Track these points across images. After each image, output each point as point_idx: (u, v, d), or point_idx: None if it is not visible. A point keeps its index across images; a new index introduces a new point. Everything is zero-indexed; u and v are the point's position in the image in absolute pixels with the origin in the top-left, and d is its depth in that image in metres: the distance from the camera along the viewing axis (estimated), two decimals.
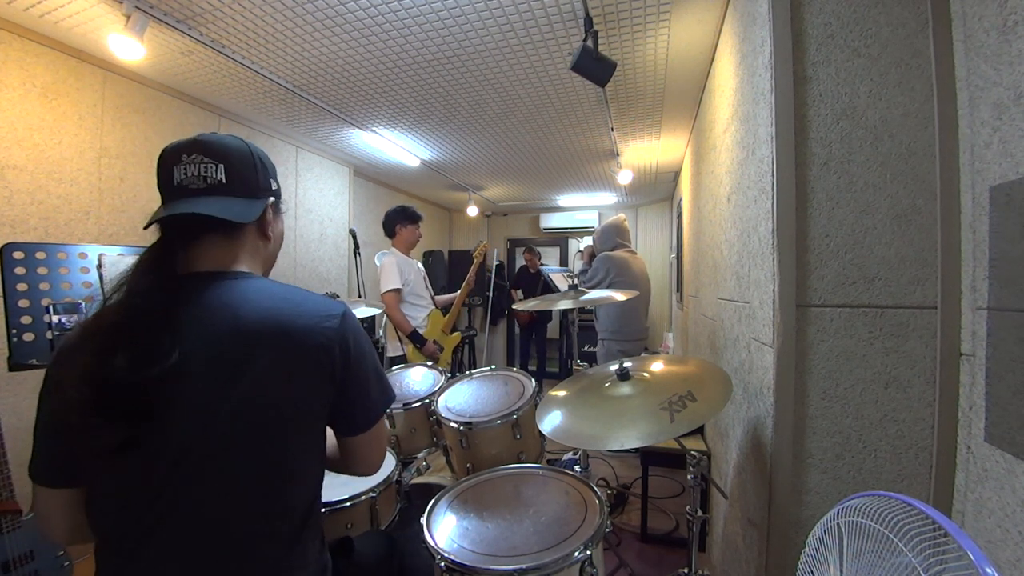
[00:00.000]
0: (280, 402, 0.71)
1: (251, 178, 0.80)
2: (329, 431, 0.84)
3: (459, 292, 3.27)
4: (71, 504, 0.73)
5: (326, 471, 0.87)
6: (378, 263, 3.05)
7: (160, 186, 0.78)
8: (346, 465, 0.89)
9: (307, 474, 0.77)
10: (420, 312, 3.05)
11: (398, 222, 3.06)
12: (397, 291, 2.90)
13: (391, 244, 3.10)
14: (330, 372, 0.75)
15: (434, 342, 3.02)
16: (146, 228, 0.76)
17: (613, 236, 3.48)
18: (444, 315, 3.22)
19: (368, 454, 0.88)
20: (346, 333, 0.77)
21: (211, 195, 0.76)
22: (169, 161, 0.76)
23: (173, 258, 0.76)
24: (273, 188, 0.86)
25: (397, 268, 2.93)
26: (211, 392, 0.68)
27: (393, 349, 3.02)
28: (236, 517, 0.69)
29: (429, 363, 2.14)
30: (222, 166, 0.76)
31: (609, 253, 3.41)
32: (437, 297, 3.29)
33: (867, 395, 1.12)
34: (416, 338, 2.91)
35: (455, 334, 3.32)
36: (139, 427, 0.65)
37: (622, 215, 3.73)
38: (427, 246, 6.19)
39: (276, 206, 0.88)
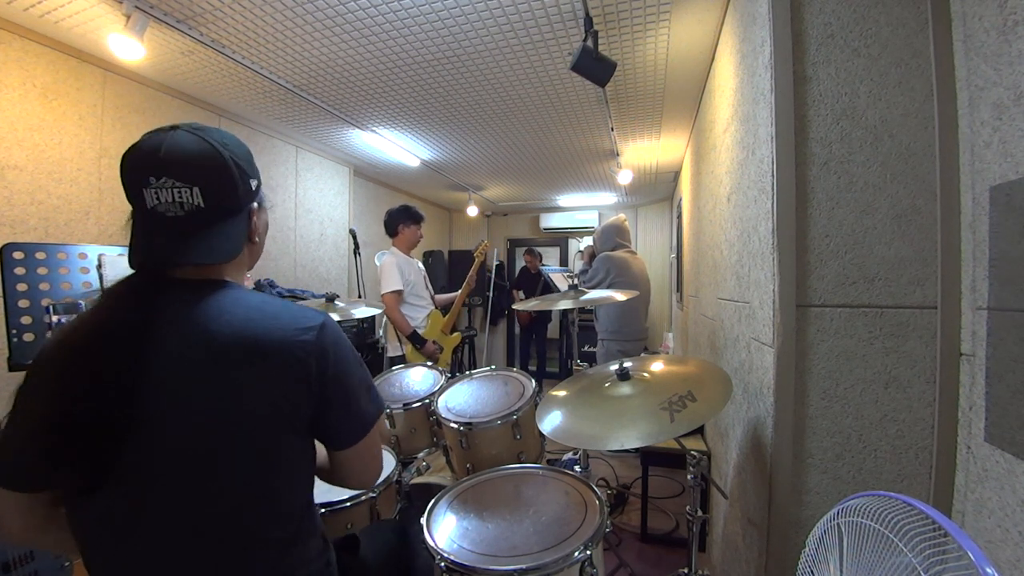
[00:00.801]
0: (259, 416, 0.69)
1: (231, 192, 0.74)
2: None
3: (460, 292, 3.26)
4: (27, 508, 0.70)
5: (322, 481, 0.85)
6: (378, 263, 3.05)
7: (129, 199, 0.72)
8: (337, 479, 0.86)
9: (293, 483, 0.75)
10: (420, 312, 3.05)
11: (401, 221, 3.06)
12: (398, 292, 2.90)
13: (392, 243, 3.10)
14: (306, 385, 0.72)
15: (433, 342, 3.02)
16: (132, 267, 0.72)
17: (613, 236, 3.48)
18: (444, 315, 3.21)
19: (359, 468, 0.84)
20: (324, 345, 0.74)
21: (192, 224, 0.71)
22: (135, 179, 0.70)
23: (153, 286, 0.73)
24: (253, 188, 0.79)
25: (398, 268, 2.93)
26: (189, 408, 0.67)
27: (393, 349, 3.02)
28: (225, 528, 0.69)
29: (429, 363, 2.14)
30: (197, 189, 0.70)
31: (609, 253, 3.41)
32: (437, 296, 3.29)
33: (867, 395, 1.12)
34: (416, 339, 2.91)
35: (455, 334, 3.31)
36: (107, 462, 0.64)
37: (622, 215, 3.73)
38: (427, 246, 6.19)
39: (259, 206, 0.83)
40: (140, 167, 0.70)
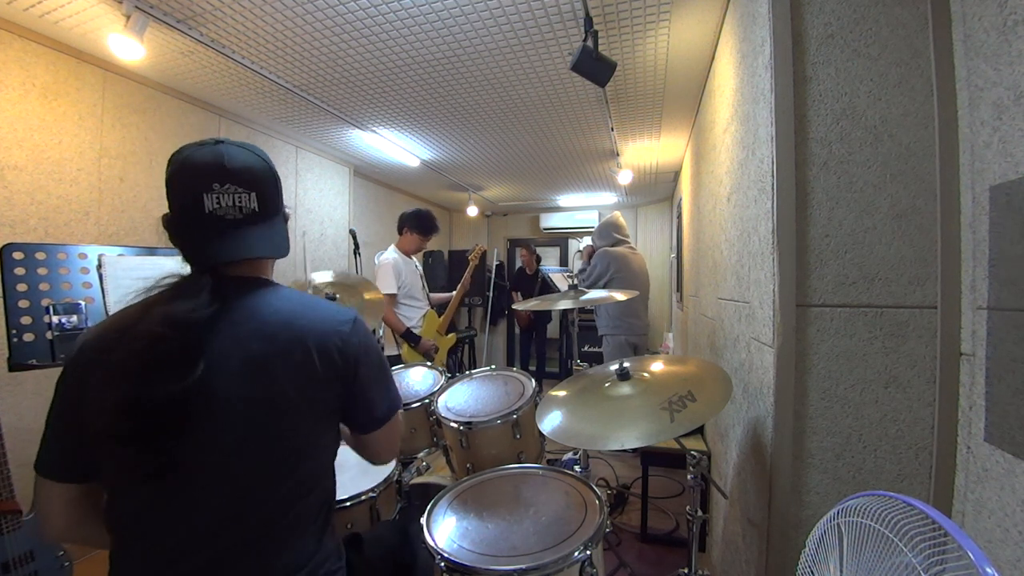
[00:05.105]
0: (298, 401, 0.75)
1: (276, 199, 0.84)
2: None
3: (455, 293, 3.27)
4: (75, 499, 0.75)
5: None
6: (377, 263, 3.06)
7: (180, 203, 0.77)
8: (360, 453, 0.97)
9: (322, 465, 0.82)
10: (416, 313, 3.06)
11: (406, 225, 3.08)
12: (391, 296, 2.92)
13: (396, 242, 3.12)
14: (342, 373, 0.80)
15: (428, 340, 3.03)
16: (197, 266, 0.77)
17: (611, 232, 3.51)
18: (439, 315, 3.22)
19: (379, 448, 0.95)
20: (357, 338, 0.83)
21: (249, 224, 0.79)
22: (195, 185, 0.75)
23: (212, 282, 0.77)
24: (283, 197, 0.90)
25: (394, 271, 2.94)
26: (239, 392, 0.71)
27: (389, 349, 3.03)
28: (259, 507, 0.72)
29: (429, 363, 2.15)
30: (255, 194, 0.79)
31: (609, 249, 3.43)
32: (432, 295, 3.30)
33: (867, 395, 1.12)
34: (410, 337, 2.92)
35: (450, 335, 3.31)
36: (169, 447, 0.67)
37: (616, 212, 3.76)
38: (427, 246, 6.17)
39: (287, 216, 0.92)
40: (205, 175, 0.76)
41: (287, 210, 0.91)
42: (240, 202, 0.77)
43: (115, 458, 0.70)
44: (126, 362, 0.67)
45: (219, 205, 0.76)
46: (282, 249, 0.84)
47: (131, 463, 0.68)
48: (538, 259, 5.92)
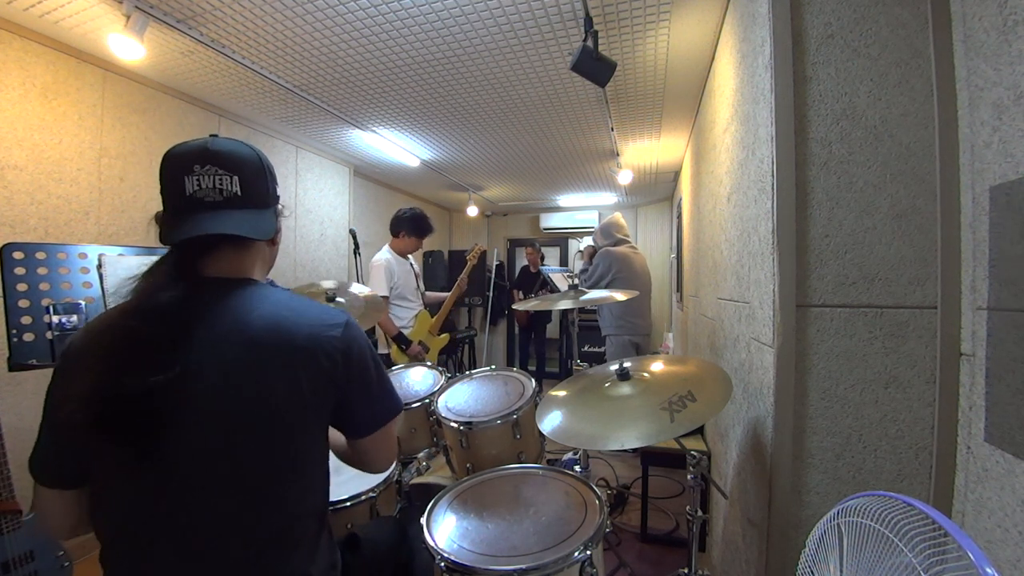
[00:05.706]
0: (286, 406, 0.72)
1: (263, 188, 0.81)
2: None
3: (450, 293, 3.26)
4: (73, 501, 0.74)
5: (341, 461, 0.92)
6: (369, 264, 3.05)
7: (166, 192, 0.77)
8: (353, 462, 0.92)
9: (313, 474, 0.79)
10: (407, 313, 3.06)
11: (403, 228, 3.06)
12: (383, 298, 2.91)
13: (389, 242, 3.12)
14: (332, 377, 0.77)
15: (419, 343, 3.02)
16: (168, 244, 0.76)
17: (613, 232, 3.52)
18: (432, 315, 3.21)
19: (374, 455, 0.90)
20: (349, 341, 0.79)
21: (228, 208, 0.76)
22: (178, 169, 0.75)
23: (193, 266, 0.77)
24: (278, 195, 0.88)
25: (385, 273, 2.93)
26: (221, 397, 0.70)
27: (379, 348, 3.03)
28: (247, 517, 0.71)
29: (428, 364, 2.15)
30: (237, 178, 0.77)
31: (611, 248, 3.43)
32: (427, 293, 3.29)
33: (867, 395, 1.12)
34: (401, 340, 2.92)
35: (443, 335, 3.30)
36: (145, 445, 0.67)
37: (617, 212, 3.77)
38: (427, 246, 6.15)
39: (280, 212, 0.90)
40: (187, 157, 0.76)
41: (282, 207, 0.89)
42: (221, 184, 0.75)
43: (91, 447, 0.69)
44: (101, 354, 0.68)
45: (199, 187, 0.74)
46: (259, 232, 0.79)
47: (106, 453, 0.67)
48: (542, 256, 5.93)
